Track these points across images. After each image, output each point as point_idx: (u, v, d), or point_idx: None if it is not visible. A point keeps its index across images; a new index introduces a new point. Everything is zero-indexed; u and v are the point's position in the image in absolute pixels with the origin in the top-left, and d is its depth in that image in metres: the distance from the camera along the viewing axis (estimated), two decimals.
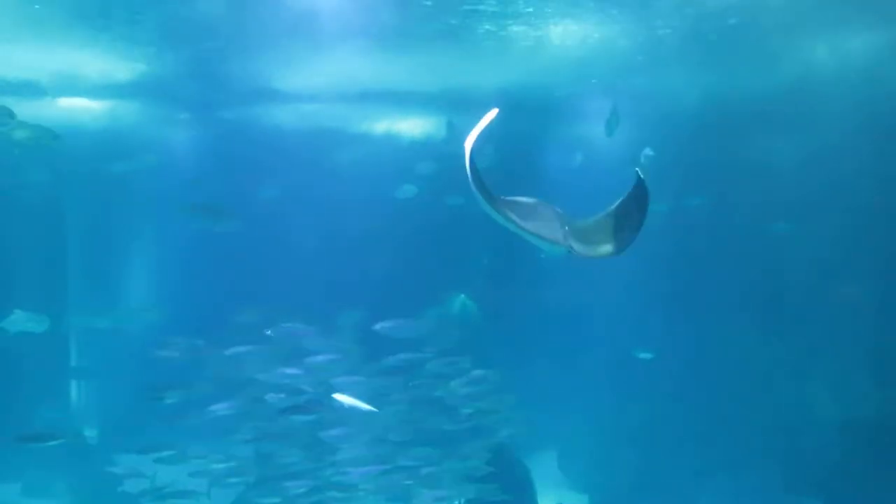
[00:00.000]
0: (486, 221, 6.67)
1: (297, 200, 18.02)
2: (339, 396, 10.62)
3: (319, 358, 12.11)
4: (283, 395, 11.92)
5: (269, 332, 11.87)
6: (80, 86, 17.29)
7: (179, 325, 13.73)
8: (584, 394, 17.43)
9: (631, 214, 6.35)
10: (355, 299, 15.22)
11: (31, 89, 16.90)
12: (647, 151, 15.13)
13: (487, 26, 13.70)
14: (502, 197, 6.14)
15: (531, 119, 17.77)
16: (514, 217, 6.01)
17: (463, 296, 18.06)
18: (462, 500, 13.03)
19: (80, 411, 18.46)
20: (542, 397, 16.48)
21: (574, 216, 6.51)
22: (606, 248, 6.35)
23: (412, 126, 20.02)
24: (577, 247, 6.22)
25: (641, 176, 6.16)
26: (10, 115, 12.53)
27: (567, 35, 14.02)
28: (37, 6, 12.61)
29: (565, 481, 17.40)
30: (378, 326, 12.32)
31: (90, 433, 17.12)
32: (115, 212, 18.65)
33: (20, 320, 13.24)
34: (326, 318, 13.35)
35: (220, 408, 11.93)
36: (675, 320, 17.41)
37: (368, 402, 11.79)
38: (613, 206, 6.46)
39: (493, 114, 5.99)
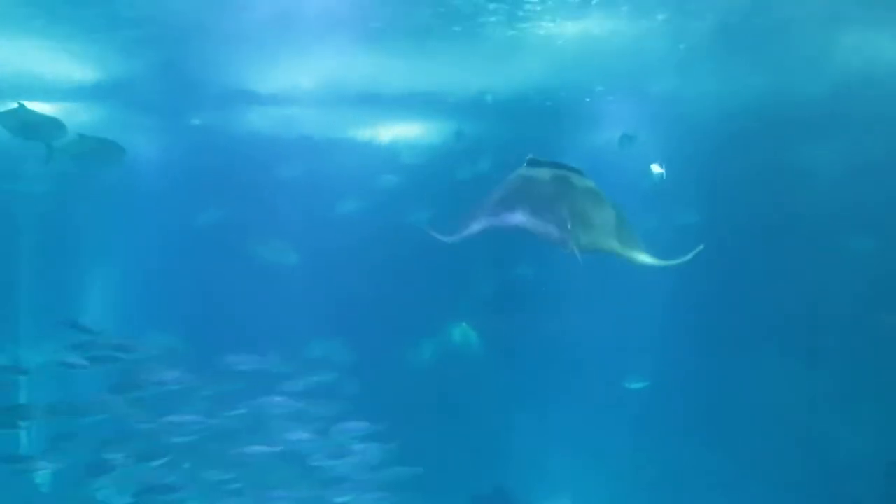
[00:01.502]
0: (491, 243, 6.78)
1: (274, 215, 16.60)
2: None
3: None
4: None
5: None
6: (33, 88, 15.92)
7: None
8: (601, 434, 16.15)
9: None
10: (337, 326, 14.88)
11: None
12: (656, 168, 14.50)
13: (494, 20, 12.72)
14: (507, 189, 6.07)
15: (545, 125, 16.49)
16: (509, 218, 5.95)
17: (464, 324, 17.12)
18: None
19: None
20: (554, 437, 15.83)
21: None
22: (612, 244, 6.06)
23: (407, 134, 18.72)
24: (582, 239, 5.97)
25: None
26: (61, 126, 12.05)
27: (584, 33, 13.02)
28: None
29: None
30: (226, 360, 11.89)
31: None
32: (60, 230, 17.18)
33: None
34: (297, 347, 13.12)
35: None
36: (703, 351, 16.14)
37: None
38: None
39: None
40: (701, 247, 6.03)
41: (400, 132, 18.35)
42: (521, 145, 15.53)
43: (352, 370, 15.33)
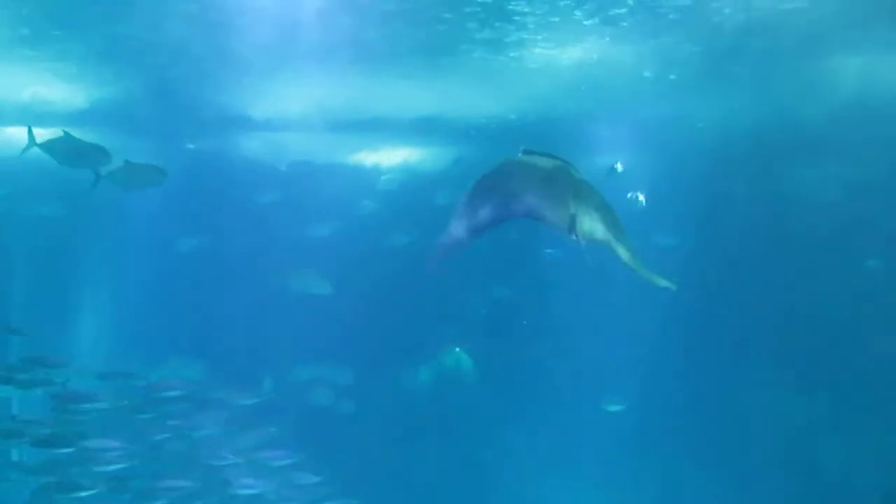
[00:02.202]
0: (486, 267, 5.69)
1: (268, 242, 16.35)
2: None
3: None
4: None
5: None
6: (23, 112, 15.66)
7: None
8: (596, 457, 15.93)
9: None
10: (330, 351, 14.88)
11: None
12: (633, 195, 14.76)
13: (487, 46, 12.57)
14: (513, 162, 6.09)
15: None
16: (517, 198, 5.94)
17: (458, 349, 16.81)
18: None
19: None
20: (549, 461, 15.75)
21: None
22: (606, 236, 6.04)
23: (402, 160, 18.62)
24: (584, 226, 5.92)
25: None
26: (106, 154, 12.06)
27: (577, 58, 12.91)
28: None
29: None
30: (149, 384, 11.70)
31: None
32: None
33: None
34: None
35: None
36: (698, 372, 15.95)
37: None
38: None
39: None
40: (674, 287, 5.89)
41: (398, 157, 18.26)
42: None
43: (345, 394, 15.26)
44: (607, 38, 12.10)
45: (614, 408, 15.59)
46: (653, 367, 16.00)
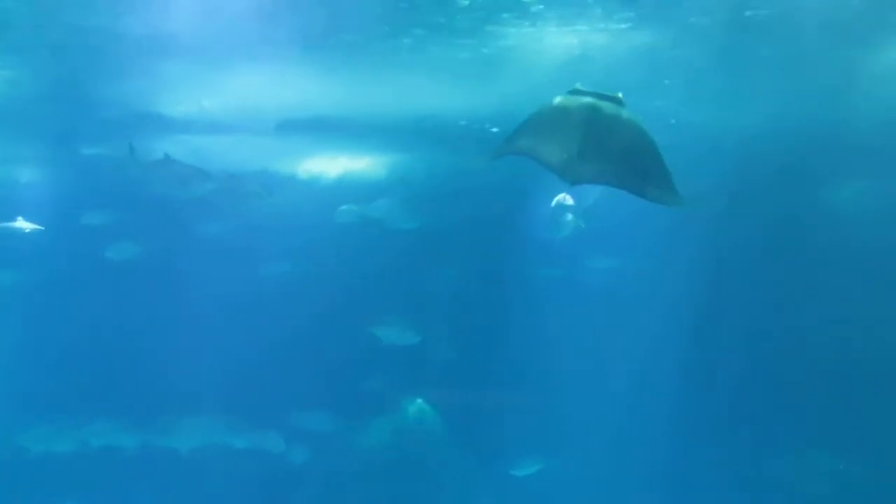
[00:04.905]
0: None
1: (185, 272, 15.28)
2: None
3: None
4: None
5: None
6: None
7: None
8: None
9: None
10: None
11: None
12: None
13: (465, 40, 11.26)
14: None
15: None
16: (521, 142, 6.23)
17: (420, 400, 15.52)
18: None
19: None
20: None
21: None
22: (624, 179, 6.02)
23: (350, 168, 17.31)
24: (586, 170, 5.96)
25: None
26: (208, 177, 12.98)
27: (562, 47, 11.41)
28: None
29: None
30: None
31: None
32: None
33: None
34: None
35: None
36: (708, 434, 14.46)
37: None
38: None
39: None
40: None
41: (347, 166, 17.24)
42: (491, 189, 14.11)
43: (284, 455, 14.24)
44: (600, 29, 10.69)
45: (524, 471, 14.41)
46: (651, 422, 14.57)
